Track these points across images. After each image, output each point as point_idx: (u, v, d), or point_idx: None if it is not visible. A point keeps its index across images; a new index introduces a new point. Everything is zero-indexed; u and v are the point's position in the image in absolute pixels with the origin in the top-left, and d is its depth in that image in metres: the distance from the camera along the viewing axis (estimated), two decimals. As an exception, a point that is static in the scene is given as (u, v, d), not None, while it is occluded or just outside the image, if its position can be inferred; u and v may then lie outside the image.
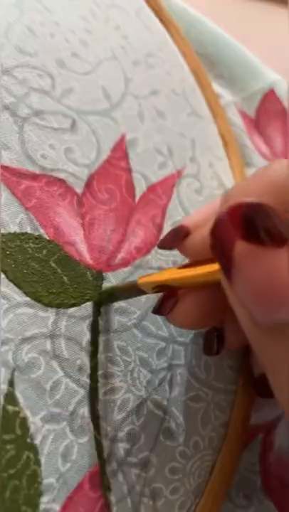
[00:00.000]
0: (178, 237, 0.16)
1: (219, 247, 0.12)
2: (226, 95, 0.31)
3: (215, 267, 0.14)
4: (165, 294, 0.17)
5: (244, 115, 0.31)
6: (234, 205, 0.12)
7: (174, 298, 0.17)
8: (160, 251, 0.22)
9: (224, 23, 0.33)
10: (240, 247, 0.12)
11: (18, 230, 0.18)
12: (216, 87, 0.30)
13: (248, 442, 0.23)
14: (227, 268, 0.12)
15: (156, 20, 0.28)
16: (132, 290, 0.18)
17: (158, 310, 0.18)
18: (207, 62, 0.31)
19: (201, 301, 0.17)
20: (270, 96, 0.31)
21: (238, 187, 0.15)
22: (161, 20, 0.28)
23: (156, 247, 0.22)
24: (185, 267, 0.16)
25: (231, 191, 0.15)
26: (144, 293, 0.17)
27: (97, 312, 0.19)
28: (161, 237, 0.22)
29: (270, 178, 0.14)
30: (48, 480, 0.17)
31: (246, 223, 0.11)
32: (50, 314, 0.18)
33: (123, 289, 0.19)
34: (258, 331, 0.13)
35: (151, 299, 0.20)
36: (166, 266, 0.22)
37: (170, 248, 0.17)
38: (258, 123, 0.31)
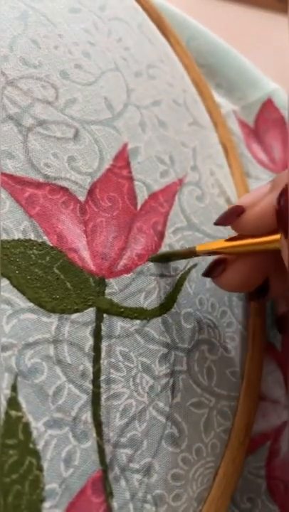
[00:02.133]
0: (234, 215, 0.19)
1: (285, 212, 0.16)
2: (225, 104, 0.32)
3: (261, 239, 0.19)
4: (215, 260, 0.21)
5: (243, 124, 0.32)
6: None
7: (223, 264, 0.20)
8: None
9: (224, 32, 0.33)
10: None
11: (21, 237, 0.18)
12: (216, 97, 0.31)
13: (256, 449, 0.23)
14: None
15: (158, 33, 0.28)
16: (189, 254, 0.21)
17: (208, 273, 0.21)
18: (207, 72, 0.32)
19: (248, 267, 0.20)
20: (268, 105, 0.32)
21: (286, 172, 0.18)
22: (162, 32, 0.28)
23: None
24: (232, 239, 0.20)
25: (280, 175, 0.19)
26: (195, 255, 0.21)
27: (99, 318, 0.19)
28: (163, 244, 0.22)
29: None
30: (51, 485, 0.17)
31: None
32: (53, 320, 0.18)
33: (180, 254, 0.22)
34: None
35: (154, 303, 0.21)
36: (167, 273, 0.22)
37: (226, 224, 0.20)
38: (256, 132, 0.31)
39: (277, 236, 0.18)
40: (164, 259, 0.22)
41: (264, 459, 0.23)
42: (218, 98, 0.32)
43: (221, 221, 0.20)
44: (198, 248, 0.21)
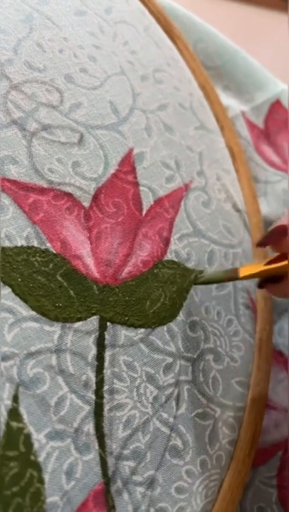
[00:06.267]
0: (279, 235, 0.19)
1: None
2: (234, 106, 0.31)
3: None
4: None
5: (252, 126, 0.31)
6: None
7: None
8: (167, 264, 0.22)
9: (228, 31, 0.33)
10: None
11: (24, 244, 0.18)
12: (224, 99, 0.31)
13: (267, 459, 0.23)
14: None
15: (165, 36, 0.28)
16: (231, 279, 0.21)
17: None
18: (214, 74, 0.32)
19: None
20: (277, 107, 0.32)
21: None
22: (169, 35, 0.28)
23: (162, 261, 0.22)
24: (275, 261, 0.20)
25: None
26: (237, 279, 0.21)
27: (103, 326, 0.19)
28: (168, 250, 0.22)
29: None
30: (52, 498, 0.16)
31: None
32: (55, 329, 0.18)
33: (221, 280, 0.22)
34: None
35: (159, 311, 0.20)
36: (173, 278, 0.22)
37: (270, 244, 0.20)
38: (267, 133, 0.31)
39: None
40: (206, 283, 0.22)
41: (275, 468, 0.23)
42: (226, 100, 0.31)
43: (265, 241, 0.20)
44: (242, 274, 0.20)
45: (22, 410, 0.16)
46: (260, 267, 0.20)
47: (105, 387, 0.18)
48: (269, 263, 0.20)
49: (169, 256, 0.22)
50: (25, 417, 0.16)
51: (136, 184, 0.22)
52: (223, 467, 0.20)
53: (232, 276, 0.21)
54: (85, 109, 0.22)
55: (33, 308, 0.18)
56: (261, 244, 0.20)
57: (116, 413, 0.18)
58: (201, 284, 0.22)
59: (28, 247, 0.18)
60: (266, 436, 0.23)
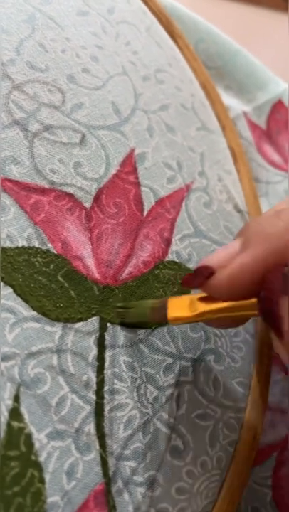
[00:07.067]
0: (202, 276, 0.17)
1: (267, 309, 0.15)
2: (235, 106, 0.31)
3: (238, 303, 0.16)
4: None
5: (254, 126, 0.31)
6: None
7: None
8: (168, 265, 0.22)
9: (229, 31, 0.33)
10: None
11: (26, 244, 0.18)
12: (225, 99, 0.31)
13: (263, 460, 0.23)
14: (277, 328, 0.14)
15: (167, 36, 0.28)
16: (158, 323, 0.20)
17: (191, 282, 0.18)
18: (216, 74, 0.32)
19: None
20: (278, 107, 0.32)
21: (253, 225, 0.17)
22: (171, 35, 0.28)
23: (164, 261, 0.22)
24: (207, 300, 0.17)
25: (248, 228, 0.17)
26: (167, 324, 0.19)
27: (103, 327, 0.19)
28: (170, 251, 0.22)
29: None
30: (53, 498, 0.16)
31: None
32: (56, 329, 0.18)
33: (149, 323, 0.20)
34: None
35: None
36: (174, 279, 0.22)
37: (194, 287, 0.17)
38: (269, 133, 0.31)
39: (255, 300, 0.16)
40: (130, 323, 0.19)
41: (271, 469, 0.23)
42: (228, 100, 0.31)
43: (188, 283, 0.17)
44: (170, 316, 0.18)
45: (23, 410, 0.16)
46: (193, 304, 0.17)
47: (106, 388, 0.18)
48: (205, 299, 0.17)
49: (170, 257, 0.22)
50: (26, 416, 0.16)
51: (137, 184, 0.22)
52: (223, 468, 0.20)
53: (159, 316, 0.18)
54: (87, 109, 0.22)
55: (34, 308, 0.18)
56: (184, 285, 0.17)
57: (116, 413, 0.18)
58: (129, 322, 0.19)
59: (30, 248, 0.18)
60: (263, 438, 0.23)
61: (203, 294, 0.17)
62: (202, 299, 0.17)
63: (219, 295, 0.17)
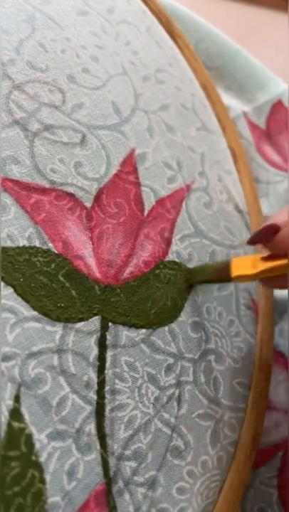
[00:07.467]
0: (270, 233, 0.18)
1: None
2: (235, 106, 0.31)
3: None
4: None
5: (254, 126, 0.31)
6: None
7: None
8: (168, 265, 0.22)
9: (230, 31, 0.33)
10: None
11: (26, 244, 0.18)
12: (226, 99, 0.31)
13: (268, 460, 0.23)
14: None
15: (167, 36, 0.28)
16: (220, 279, 0.21)
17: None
18: (216, 75, 0.32)
19: None
20: (278, 107, 0.32)
21: None
22: (171, 35, 0.28)
23: (164, 261, 0.22)
24: (267, 259, 0.19)
25: None
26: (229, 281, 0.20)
27: (104, 327, 0.19)
28: (170, 251, 0.22)
29: None
30: (53, 499, 0.16)
31: None
32: (57, 329, 0.18)
33: (213, 281, 0.21)
34: None
35: (161, 312, 0.20)
36: (174, 279, 0.22)
37: (261, 243, 0.19)
38: (269, 133, 0.31)
39: None
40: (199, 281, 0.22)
41: (276, 469, 0.23)
42: (228, 100, 0.31)
43: (255, 239, 0.19)
44: (234, 274, 0.20)
45: (23, 410, 0.16)
46: (255, 263, 0.19)
47: (107, 388, 0.18)
48: (266, 258, 0.19)
49: (171, 256, 0.22)
50: (26, 417, 0.16)
51: (138, 184, 0.22)
52: (224, 468, 0.20)
53: (223, 275, 0.20)
54: (87, 109, 0.22)
55: (34, 308, 0.18)
56: (251, 242, 0.20)
57: (117, 413, 0.18)
58: (196, 282, 0.22)
59: (30, 247, 0.18)
60: (267, 437, 0.23)
61: (264, 255, 0.19)
62: (263, 259, 0.19)
63: (284, 250, 0.18)
